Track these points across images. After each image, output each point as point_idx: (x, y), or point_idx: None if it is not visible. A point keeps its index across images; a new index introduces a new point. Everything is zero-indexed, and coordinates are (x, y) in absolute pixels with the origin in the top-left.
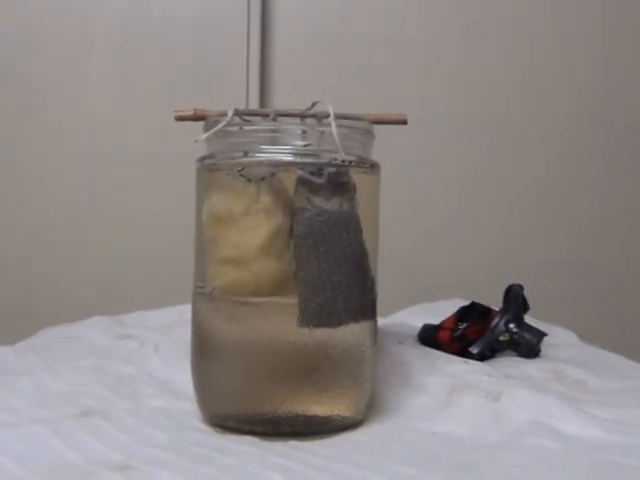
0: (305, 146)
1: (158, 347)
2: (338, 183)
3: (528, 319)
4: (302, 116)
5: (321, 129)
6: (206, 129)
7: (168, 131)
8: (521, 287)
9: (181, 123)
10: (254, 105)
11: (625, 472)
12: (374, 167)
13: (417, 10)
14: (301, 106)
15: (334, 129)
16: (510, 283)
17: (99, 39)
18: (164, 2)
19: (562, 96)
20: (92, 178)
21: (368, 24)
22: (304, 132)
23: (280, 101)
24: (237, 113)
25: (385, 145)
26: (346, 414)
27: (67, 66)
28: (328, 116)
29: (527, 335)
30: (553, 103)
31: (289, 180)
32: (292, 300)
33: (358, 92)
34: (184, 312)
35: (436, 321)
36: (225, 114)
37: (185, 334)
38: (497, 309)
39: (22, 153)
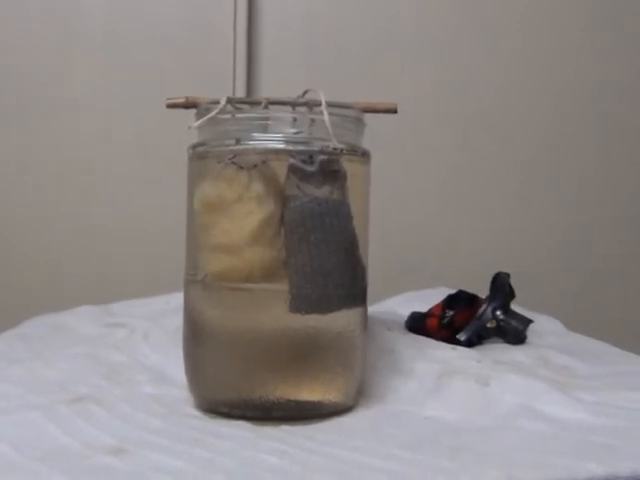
0: (296, 134)
1: (148, 335)
2: (329, 171)
3: (514, 307)
4: (293, 104)
5: (312, 117)
6: (198, 117)
7: (158, 119)
8: (508, 275)
9: (171, 110)
10: (241, 92)
11: (607, 452)
12: (365, 155)
13: (407, 1)
14: (288, 94)
15: (326, 117)
16: (497, 271)
17: (87, 30)
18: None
19: (550, 89)
20: (83, 166)
21: (357, 13)
22: (295, 120)
23: (267, 89)
24: (229, 101)
25: (376, 133)
26: (336, 399)
27: (54, 55)
28: (319, 104)
29: (513, 322)
30: (540, 96)
31: (280, 168)
32: (283, 287)
33: (345, 82)
34: (172, 300)
35: (424, 308)
36: (217, 102)
37: (173, 322)
38: (484, 297)
39: (11, 145)
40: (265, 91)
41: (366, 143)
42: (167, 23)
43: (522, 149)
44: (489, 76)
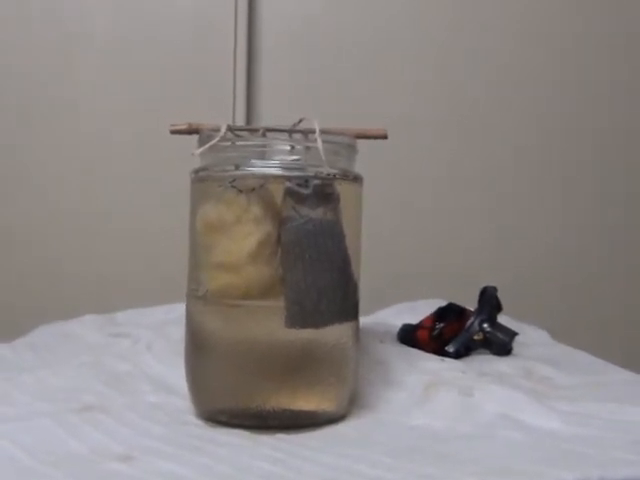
0: (293, 161)
1: (151, 345)
2: (323, 194)
3: (504, 319)
4: (289, 132)
5: (307, 144)
6: (200, 143)
7: (158, 119)
8: (495, 289)
9: (171, 112)
10: (241, 94)
11: (579, 459)
12: (357, 179)
13: (400, 16)
14: (286, 114)
15: (320, 144)
16: (485, 285)
17: (87, 30)
18: (153, 9)
19: (542, 99)
20: (83, 166)
21: (356, 16)
22: (292, 147)
23: (267, 90)
24: (230, 129)
25: (368, 151)
26: (330, 409)
27: (54, 55)
28: (314, 132)
29: (500, 334)
30: (532, 106)
31: (277, 191)
32: (279, 303)
33: (345, 83)
34: (172, 310)
35: (415, 320)
36: (218, 129)
37: (175, 332)
38: (472, 309)
39: (11, 145)
40: (265, 92)
41: (362, 148)
42: (168, 24)
43: (510, 163)
44: (488, 77)
